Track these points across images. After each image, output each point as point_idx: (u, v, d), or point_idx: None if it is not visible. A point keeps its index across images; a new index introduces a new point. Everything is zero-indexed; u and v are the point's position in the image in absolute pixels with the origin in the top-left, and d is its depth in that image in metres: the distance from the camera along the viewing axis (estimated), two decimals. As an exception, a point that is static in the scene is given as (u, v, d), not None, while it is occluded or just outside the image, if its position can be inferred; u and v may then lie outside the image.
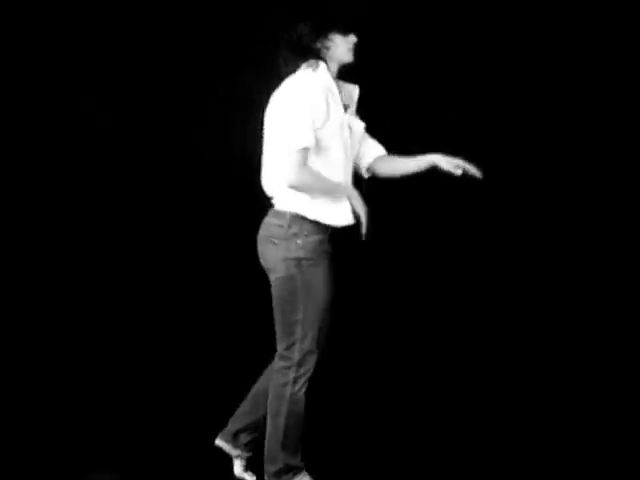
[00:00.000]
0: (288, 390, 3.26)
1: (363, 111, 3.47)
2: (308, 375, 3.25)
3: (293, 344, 3.24)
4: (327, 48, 3.25)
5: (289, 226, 3.23)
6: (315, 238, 3.23)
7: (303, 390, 3.26)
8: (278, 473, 3.32)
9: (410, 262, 4.60)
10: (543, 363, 4.55)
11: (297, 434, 3.30)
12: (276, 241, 3.24)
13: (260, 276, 3.42)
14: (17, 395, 4.38)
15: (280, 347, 3.31)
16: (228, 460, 3.66)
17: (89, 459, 3.84)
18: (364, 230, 3.28)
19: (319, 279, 3.23)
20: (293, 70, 3.26)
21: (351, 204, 3.27)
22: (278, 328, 3.32)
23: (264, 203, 3.43)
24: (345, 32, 3.25)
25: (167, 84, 4.58)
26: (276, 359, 3.34)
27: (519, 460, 3.81)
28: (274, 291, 3.28)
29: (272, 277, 3.28)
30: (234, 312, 4.55)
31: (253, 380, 4.35)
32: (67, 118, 4.58)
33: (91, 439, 4.02)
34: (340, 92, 3.32)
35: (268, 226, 3.29)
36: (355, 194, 3.26)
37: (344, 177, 3.30)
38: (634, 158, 4.57)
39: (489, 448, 3.92)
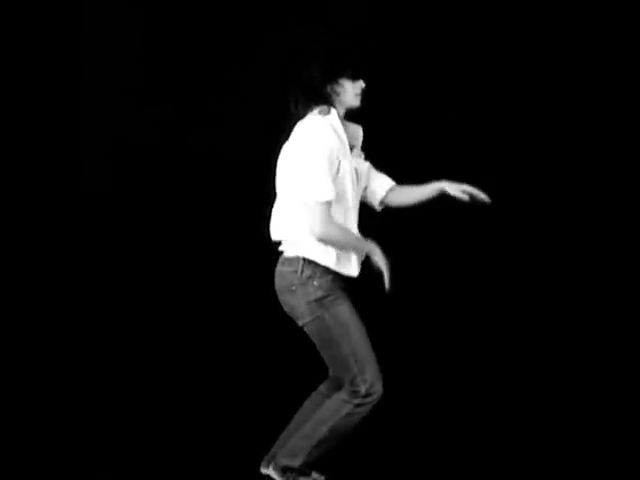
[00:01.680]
0: (346, 409, 3.22)
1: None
2: (373, 403, 3.22)
3: (355, 378, 3.21)
4: (337, 93, 3.25)
5: (302, 270, 3.22)
6: (329, 277, 3.23)
7: (361, 415, 3.22)
8: (286, 469, 3.29)
9: (410, 262, 4.58)
10: (544, 367, 4.55)
11: (328, 449, 3.27)
12: (293, 288, 3.24)
13: (264, 282, 3.43)
14: (17, 395, 4.38)
15: (345, 384, 3.25)
16: (228, 461, 3.69)
17: (88, 460, 3.84)
18: (387, 284, 3.24)
19: (346, 310, 3.23)
20: (303, 113, 3.25)
21: (373, 260, 3.25)
22: (333, 368, 3.31)
23: (267, 204, 3.41)
24: (354, 78, 3.25)
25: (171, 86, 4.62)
26: (343, 391, 3.29)
27: (519, 461, 3.80)
28: (310, 336, 3.28)
29: (301, 324, 3.27)
30: (236, 314, 4.54)
31: (254, 380, 4.40)
32: (69, 121, 4.61)
33: (90, 439, 4.02)
34: (347, 134, 3.33)
35: (282, 275, 3.28)
36: (377, 250, 3.25)
37: (356, 220, 3.31)
38: (634, 159, 4.57)
39: (490, 449, 3.91)
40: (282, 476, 3.29)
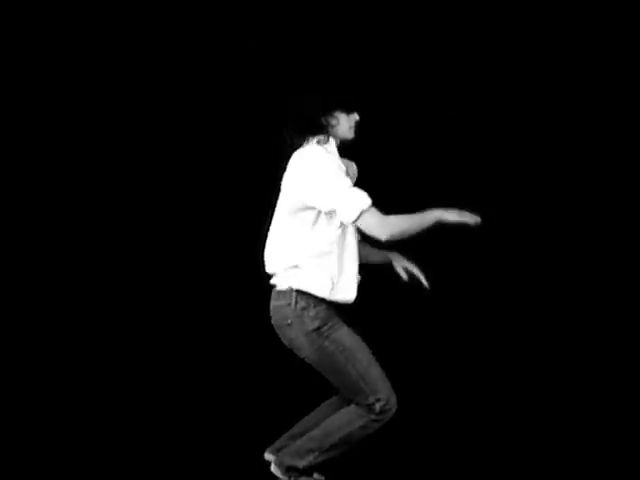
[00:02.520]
0: (361, 422, 3.20)
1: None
2: (386, 419, 3.21)
3: (368, 399, 3.19)
4: (331, 126, 3.25)
5: (296, 302, 3.21)
6: (324, 305, 3.21)
7: (375, 429, 3.21)
8: (290, 468, 3.28)
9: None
10: (549, 375, 4.55)
11: (335, 455, 3.26)
12: (289, 321, 3.22)
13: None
14: (17, 395, 4.40)
15: (361, 405, 3.23)
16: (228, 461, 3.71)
17: (88, 460, 3.87)
18: (472, 222, 3.19)
19: (345, 334, 3.22)
20: (299, 144, 3.25)
21: (449, 220, 3.15)
22: (346, 394, 3.27)
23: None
24: (349, 111, 3.26)
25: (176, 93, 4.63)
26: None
27: (520, 463, 3.83)
28: (315, 367, 3.26)
29: (302, 356, 3.26)
30: (235, 316, 4.54)
31: (253, 381, 4.41)
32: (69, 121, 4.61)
33: (90, 439, 4.04)
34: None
35: (277, 309, 3.27)
36: (445, 213, 3.15)
37: (356, 245, 3.31)
38: (634, 160, 4.57)
39: (489, 451, 3.94)
40: (284, 474, 3.29)
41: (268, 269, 3.31)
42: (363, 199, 3.12)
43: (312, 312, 3.19)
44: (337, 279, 3.22)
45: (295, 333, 3.21)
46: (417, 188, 4.53)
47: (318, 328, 3.19)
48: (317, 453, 3.24)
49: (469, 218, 3.14)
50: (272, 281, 3.30)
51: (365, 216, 3.11)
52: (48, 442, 4.02)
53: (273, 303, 3.28)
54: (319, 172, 3.15)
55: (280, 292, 3.25)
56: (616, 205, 4.62)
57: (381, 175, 4.00)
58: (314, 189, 3.15)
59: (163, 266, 4.68)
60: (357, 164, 3.39)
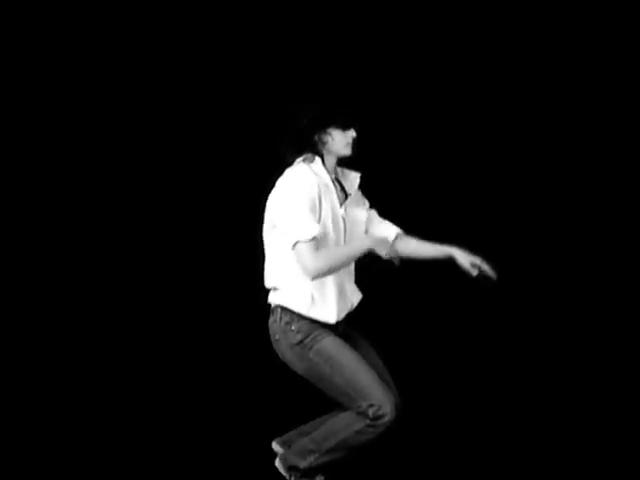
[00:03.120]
0: (357, 426, 3.18)
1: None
2: (385, 425, 3.16)
3: (359, 406, 3.17)
4: (324, 142, 3.26)
5: (280, 318, 3.26)
6: (306, 320, 3.23)
7: (372, 435, 3.18)
8: (292, 467, 3.31)
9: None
10: (545, 375, 4.56)
11: (335, 459, 3.26)
12: (277, 337, 3.28)
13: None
14: (17, 395, 4.39)
15: (354, 410, 3.23)
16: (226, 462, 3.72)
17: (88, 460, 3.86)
18: (396, 261, 3.27)
19: (329, 344, 3.22)
20: (291, 160, 3.28)
21: (378, 252, 3.21)
22: (339, 401, 3.26)
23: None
24: (345, 127, 3.26)
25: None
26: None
27: (520, 465, 3.81)
28: (308, 379, 3.29)
29: (294, 369, 3.30)
30: (239, 315, 4.53)
31: (251, 381, 4.41)
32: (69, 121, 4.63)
33: (90, 439, 4.03)
34: (338, 182, 3.37)
35: (270, 326, 3.33)
36: (374, 241, 3.21)
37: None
38: (634, 161, 4.58)
39: (491, 454, 3.92)
40: (286, 471, 3.33)
41: (266, 285, 3.36)
42: (304, 230, 3.12)
43: (294, 326, 3.23)
44: (317, 296, 3.23)
45: (283, 348, 3.26)
46: (417, 189, 4.59)
47: (301, 341, 3.22)
48: (317, 455, 3.25)
49: (393, 253, 3.25)
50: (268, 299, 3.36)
51: (299, 247, 3.13)
52: (48, 442, 4.01)
53: (269, 320, 3.33)
54: (285, 194, 3.18)
55: (270, 309, 3.32)
56: (616, 206, 4.63)
57: (382, 178, 4.01)
58: (278, 210, 3.20)
59: (162, 267, 4.70)
60: (359, 168, 3.39)
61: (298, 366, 3.26)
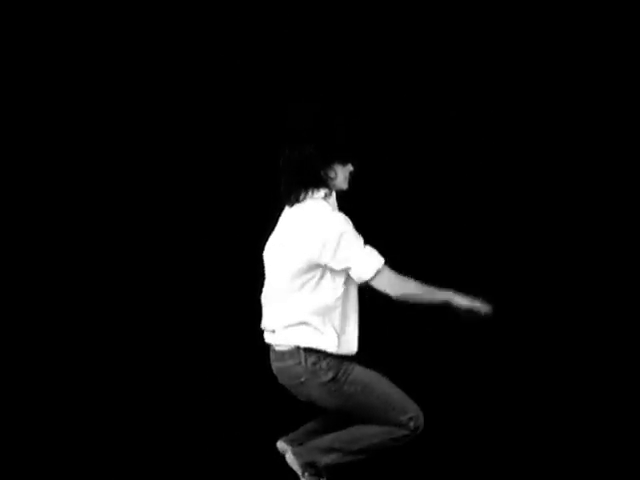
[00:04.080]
0: (397, 434, 3.23)
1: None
2: (415, 436, 3.25)
3: (401, 421, 3.22)
4: (331, 178, 3.24)
5: (306, 360, 3.21)
6: (332, 355, 3.22)
7: (404, 443, 3.25)
8: (309, 464, 3.28)
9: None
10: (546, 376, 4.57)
11: (358, 459, 3.28)
12: (303, 379, 3.23)
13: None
14: (17, 395, 4.41)
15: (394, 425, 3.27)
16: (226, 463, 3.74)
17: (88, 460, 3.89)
18: (484, 310, 3.23)
19: (359, 372, 3.25)
20: (296, 196, 3.23)
21: (455, 305, 3.21)
22: (382, 424, 3.26)
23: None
24: (345, 162, 3.26)
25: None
26: None
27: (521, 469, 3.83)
28: (340, 411, 3.28)
29: (324, 406, 3.29)
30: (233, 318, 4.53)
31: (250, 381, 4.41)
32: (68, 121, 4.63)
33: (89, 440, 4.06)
34: None
35: (285, 370, 3.26)
36: (456, 297, 3.20)
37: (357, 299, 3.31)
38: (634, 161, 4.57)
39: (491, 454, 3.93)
40: (301, 466, 3.29)
41: (269, 325, 3.29)
42: (378, 258, 3.16)
43: (324, 364, 3.20)
44: (341, 332, 3.23)
45: (311, 388, 3.22)
46: (417, 192, 4.60)
47: (334, 377, 3.20)
48: (341, 454, 3.25)
49: (480, 306, 3.20)
50: (269, 339, 3.30)
51: (380, 275, 3.15)
52: (48, 442, 4.02)
53: (278, 365, 3.27)
54: (331, 229, 3.14)
55: (284, 353, 3.24)
56: (616, 206, 4.63)
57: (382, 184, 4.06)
58: (326, 247, 3.14)
59: (161, 268, 4.71)
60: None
61: (331, 402, 3.24)
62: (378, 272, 3.14)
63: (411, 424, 3.20)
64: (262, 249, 3.34)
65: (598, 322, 4.60)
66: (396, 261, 3.20)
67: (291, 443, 3.36)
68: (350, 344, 3.25)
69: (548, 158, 4.63)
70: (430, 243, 4.62)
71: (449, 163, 4.65)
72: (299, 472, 3.29)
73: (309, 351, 3.19)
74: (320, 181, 3.22)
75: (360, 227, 3.20)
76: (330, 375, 3.19)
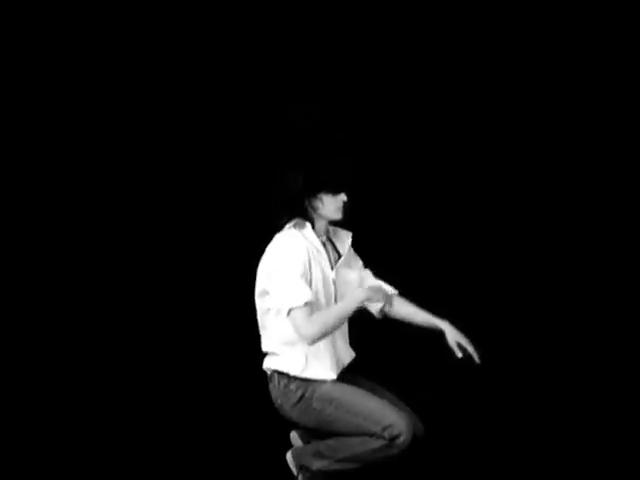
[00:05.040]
0: (375, 445, 3.20)
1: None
2: (403, 446, 3.17)
3: (375, 432, 3.18)
4: (315, 208, 3.26)
5: (278, 382, 3.30)
6: (303, 379, 3.27)
7: (388, 454, 3.19)
8: (304, 467, 3.35)
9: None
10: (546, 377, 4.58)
11: (347, 468, 3.29)
12: (279, 401, 3.31)
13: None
14: (17, 395, 4.42)
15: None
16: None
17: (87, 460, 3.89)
18: (387, 307, 3.30)
19: (331, 389, 3.26)
20: (281, 225, 3.29)
21: (370, 304, 3.28)
22: (355, 434, 3.25)
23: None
24: (335, 192, 3.25)
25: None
26: None
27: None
28: (319, 429, 3.30)
29: (302, 425, 3.33)
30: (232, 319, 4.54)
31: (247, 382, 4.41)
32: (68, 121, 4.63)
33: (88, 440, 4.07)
34: (331, 242, 3.39)
35: (270, 393, 3.36)
36: (366, 292, 3.19)
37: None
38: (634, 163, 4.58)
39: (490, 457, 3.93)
40: (296, 467, 3.37)
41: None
42: (297, 296, 3.13)
43: (293, 386, 3.28)
44: (311, 357, 3.26)
45: (288, 409, 3.30)
46: (411, 247, 4.65)
47: (302, 396, 3.26)
48: (330, 461, 3.28)
49: (387, 301, 3.21)
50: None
51: (293, 314, 3.14)
52: (48, 442, 4.04)
53: (269, 387, 3.38)
54: (276, 260, 3.20)
55: (268, 377, 3.37)
56: (615, 207, 4.64)
57: (377, 235, 4.12)
58: (269, 276, 3.22)
59: (161, 269, 4.74)
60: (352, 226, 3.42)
61: (307, 420, 3.28)
62: (290, 310, 3.14)
63: (385, 433, 3.14)
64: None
65: (597, 325, 4.64)
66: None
67: (302, 437, 3.44)
68: (321, 371, 3.28)
69: (547, 160, 4.65)
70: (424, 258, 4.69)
71: (444, 218, 4.70)
72: (295, 472, 3.39)
73: (280, 375, 3.29)
74: (301, 210, 3.25)
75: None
76: (298, 395, 3.26)
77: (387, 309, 3.30)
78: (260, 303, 3.30)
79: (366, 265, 3.50)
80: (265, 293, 3.26)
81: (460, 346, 3.29)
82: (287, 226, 3.27)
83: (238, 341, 4.41)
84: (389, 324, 3.50)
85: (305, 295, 3.13)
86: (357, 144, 4.28)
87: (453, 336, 3.29)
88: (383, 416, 3.16)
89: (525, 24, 4.59)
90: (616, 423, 4.12)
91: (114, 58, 4.59)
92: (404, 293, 3.48)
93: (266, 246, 3.29)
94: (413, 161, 4.67)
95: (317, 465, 3.30)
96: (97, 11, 4.55)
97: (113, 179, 4.67)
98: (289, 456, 3.39)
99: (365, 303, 3.21)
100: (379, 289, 3.20)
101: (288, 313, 3.15)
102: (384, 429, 3.14)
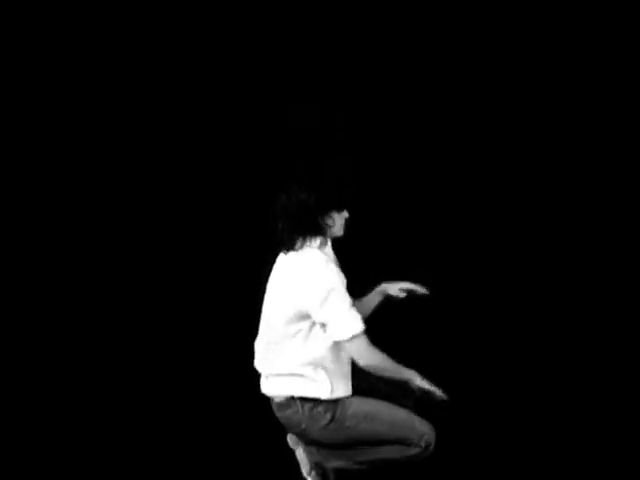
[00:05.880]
0: (410, 453, 3.27)
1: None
2: (428, 453, 3.27)
3: (412, 441, 3.25)
4: (329, 225, 3.23)
5: (302, 408, 3.26)
6: (328, 400, 3.27)
7: (416, 460, 3.28)
8: (319, 465, 3.38)
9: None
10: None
11: (363, 469, 3.34)
12: (303, 426, 3.28)
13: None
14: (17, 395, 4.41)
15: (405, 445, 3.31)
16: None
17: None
18: (440, 395, 3.26)
19: (357, 404, 3.28)
20: (292, 243, 3.23)
21: (415, 384, 3.26)
22: (390, 447, 3.31)
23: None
24: (340, 209, 3.24)
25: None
26: None
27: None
28: (350, 445, 3.32)
29: (330, 443, 3.33)
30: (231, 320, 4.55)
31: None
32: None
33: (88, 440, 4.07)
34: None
35: (286, 419, 3.31)
36: (418, 376, 3.25)
37: None
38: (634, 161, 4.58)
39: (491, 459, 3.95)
40: (310, 464, 3.38)
41: (261, 369, 3.36)
42: (358, 324, 3.16)
43: (320, 409, 3.25)
44: (335, 378, 3.27)
45: (313, 433, 3.28)
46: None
47: (332, 418, 3.26)
48: (349, 462, 3.34)
49: (437, 392, 3.24)
50: (264, 389, 3.36)
51: (355, 341, 3.16)
52: (47, 442, 4.04)
53: (279, 415, 3.33)
54: (322, 283, 3.14)
55: (282, 404, 3.30)
56: (616, 207, 4.65)
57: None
58: (314, 299, 3.14)
59: (162, 278, 4.76)
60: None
61: (335, 440, 3.29)
62: (354, 337, 3.15)
63: (422, 442, 3.24)
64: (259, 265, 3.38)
65: (597, 327, 4.65)
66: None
67: (300, 439, 3.41)
68: (345, 387, 3.29)
69: (547, 161, 4.66)
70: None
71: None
72: (306, 469, 3.40)
73: (304, 400, 3.26)
74: (318, 229, 3.21)
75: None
76: (328, 417, 3.25)
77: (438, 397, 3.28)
78: (289, 326, 3.22)
79: (367, 272, 3.53)
80: (302, 317, 3.19)
81: (402, 290, 3.43)
82: (311, 244, 3.22)
83: (237, 345, 4.42)
84: (389, 329, 3.56)
85: (362, 323, 3.17)
86: (358, 157, 4.35)
87: (392, 287, 3.44)
88: (416, 425, 3.25)
89: (525, 24, 4.59)
90: (616, 427, 4.12)
91: (115, 63, 4.61)
92: (404, 300, 3.50)
93: (266, 257, 3.29)
94: (413, 168, 4.69)
95: (334, 464, 3.34)
96: (97, 11, 4.55)
97: (115, 186, 4.69)
98: (300, 453, 3.40)
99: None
100: (429, 382, 3.24)
101: (349, 339, 3.14)
102: (420, 437, 3.23)
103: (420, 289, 3.43)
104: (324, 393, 3.24)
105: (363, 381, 3.34)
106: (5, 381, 4.49)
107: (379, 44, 4.62)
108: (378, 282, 3.52)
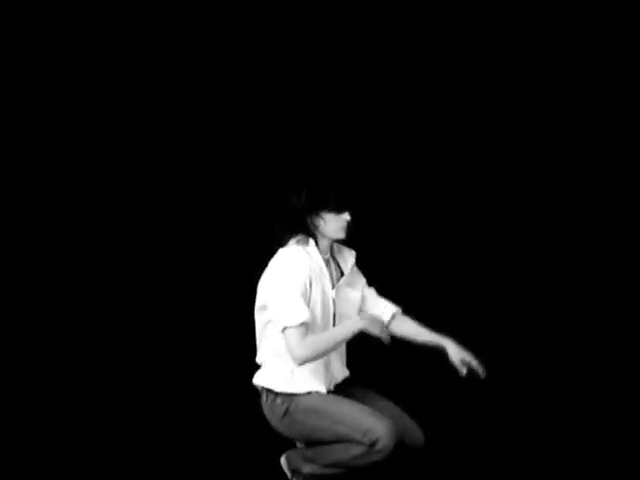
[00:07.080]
0: (354, 452, 3.20)
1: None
2: (384, 452, 3.14)
3: (354, 438, 3.17)
4: (317, 226, 3.24)
5: (267, 397, 3.30)
6: (286, 393, 3.27)
7: (372, 461, 3.17)
8: (296, 471, 3.36)
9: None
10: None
11: (333, 473, 3.29)
12: (269, 416, 3.31)
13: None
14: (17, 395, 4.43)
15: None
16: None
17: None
18: (386, 340, 3.20)
19: (313, 400, 3.25)
20: (284, 241, 3.28)
21: (369, 331, 3.18)
22: (341, 441, 3.26)
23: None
24: (338, 211, 3.24)
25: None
26: None
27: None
28: (307, 442, 3.32)
29: (295, 439, 3.35)
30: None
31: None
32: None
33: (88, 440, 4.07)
34: (334, 259, 3.38)
35: (262, 408, 3.36)
36: (365, 321, 3.17)
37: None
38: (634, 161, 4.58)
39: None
40: (289, 470, 3.38)
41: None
42: (293, 315, 3.13)
43: (279, 400, 3.28)
44: (297, 372, 3.25)
45: (277, 424, 3.31)
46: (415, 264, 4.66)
47: (287, 410, 3.26)
48: (316, 465, 3.30)
49: (384, 334, 3.16)
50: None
51: (287, 332, 3.14)
52: (47, 442, 4.05)
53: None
54: (277, 276, 3.19)
55: (259, 394, 3.36)
56: (616, 207, 4.65)
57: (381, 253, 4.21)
58: (269, 292, 3.21)
59: (162, 281, 4.74)
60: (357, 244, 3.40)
61: (294, 434, 3.31)
62: (285, 329, 3.14)
63: (365, 439, 3.12)
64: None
65: (598, 330, 4.66)
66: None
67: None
68: (310, 382, 3.26)
69: (547, 162, 4.66)
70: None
71: (448, 235, 4.73)
72: (289, 476, 3.38)
73: (268, 390, 3.30)
74: (303, 228, 3.24)
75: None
76: (283, 409, 3.26)
77: (384, 341, 3.22)
78: (259, 317, 3.30)
79: (370, 281, 3.49)
80: (265, 307, 3.25)
81: (464, 362, 3.28)
82: (291, 242, 3.27)
83: (236, 350, 4.43)
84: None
85: (302, 315, 3.13)
86: (359, 161, 4.35)
87: (456, 353, 3.29)
88: (362, 422, 3.14)
89: (525, 24, 4.59)
90: (617, 431, 4.13)
91: (116, 64, 4.59)
92: (408, 309, 3.47)
93: (268, 260, 3.29)
94: (413, 174, 4.70)
95: (307, 469, 3.32)
96: (97, 11, 4.54)
97: (115, 187, 4.69)
98: (282, 460, 3.40)
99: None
100: (377, 320, 3.19)
101: (282, 330, 3.15)
102: (364, 435, 3.13)
103: (481, 373, 3.29)
104: (279, 385, 3.26)
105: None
106: (5, 381, 4.48)
107: (379, 44, 4.61)
108: (378, 281, 3.49)
